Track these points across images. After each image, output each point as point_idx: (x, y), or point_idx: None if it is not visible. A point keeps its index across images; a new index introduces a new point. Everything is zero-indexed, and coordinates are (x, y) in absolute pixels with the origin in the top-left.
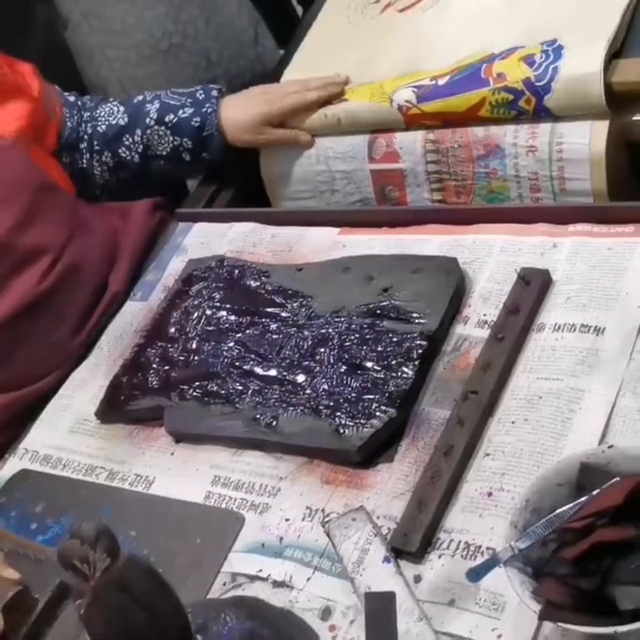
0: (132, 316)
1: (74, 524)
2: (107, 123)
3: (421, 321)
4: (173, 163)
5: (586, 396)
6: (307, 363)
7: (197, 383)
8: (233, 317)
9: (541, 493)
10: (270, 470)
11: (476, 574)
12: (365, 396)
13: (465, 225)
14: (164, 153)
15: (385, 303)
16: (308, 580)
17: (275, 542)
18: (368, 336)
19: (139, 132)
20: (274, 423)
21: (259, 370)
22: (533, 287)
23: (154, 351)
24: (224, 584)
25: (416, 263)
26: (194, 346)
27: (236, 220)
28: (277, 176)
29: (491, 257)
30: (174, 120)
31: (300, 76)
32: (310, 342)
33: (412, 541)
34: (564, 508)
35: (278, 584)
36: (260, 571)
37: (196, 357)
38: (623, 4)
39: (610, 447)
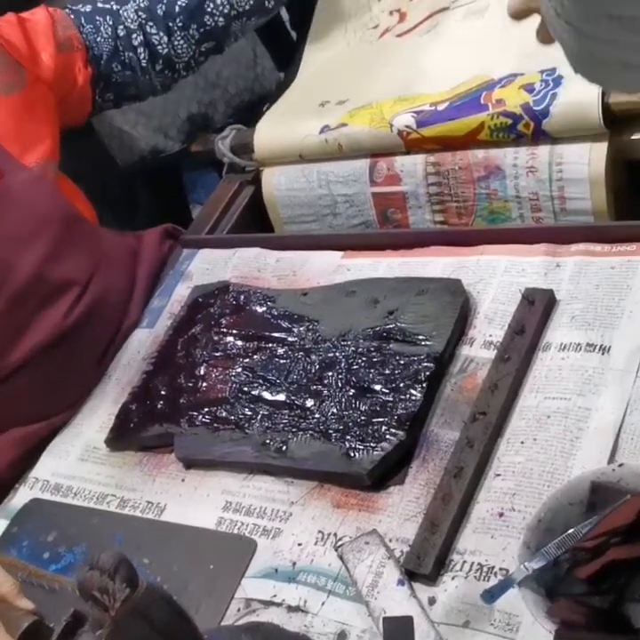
0: (140, 344)
1: (92, 555)
2: None
3: (428, 343)
4: (256, 15)
5: (593, 415)
6: (315, 387)
7: (206, 409)
8: (240, 343)
9: (553, 513)
10: (281, 495)
11: (490, 596)
12: (374, 419)
13: (468, 246)
14: (248, 7)
15: (391, 326)
16: (323, 604)
17: (288, 567)
18: (375, 359)
19: None
20: (284, 448)
21: (267, 395)
22: (538, 307)
23: (162, 378)
24: (238, 610)
25: (421, 285)
26: (202, 372)
27: (239, 245)
28: (279, 200)
29: (494, 278)
30: None
31: (299, 98)
32: (318, 366)
33: (426, 564)
34: (577, 527)
35: (293, 609)
36: (274, 596)
37: (204, 383)
38: None
39: (620, 465)
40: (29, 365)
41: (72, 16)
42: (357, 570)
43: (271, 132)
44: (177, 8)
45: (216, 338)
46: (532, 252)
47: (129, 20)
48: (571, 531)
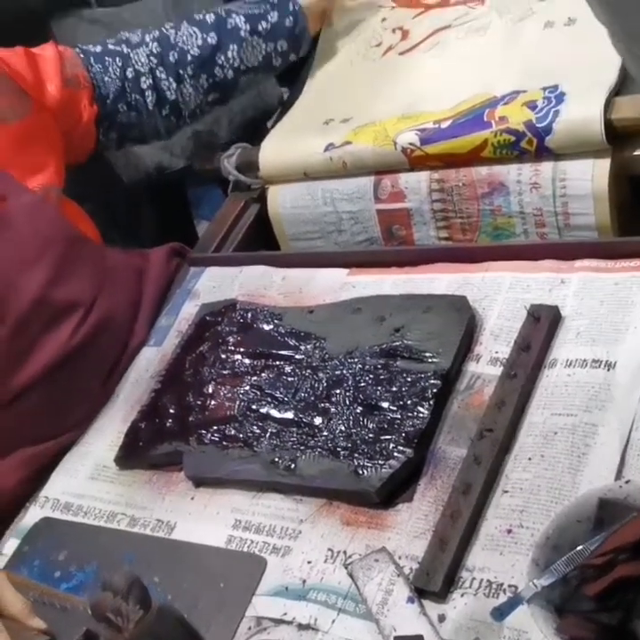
0: (148, 362)
1: (104, 576)
2: (194, 46)
3: (434, 360)
4: (262, 72)
5: (600, 431)
6: (323, 404)
7: (215, 427)
8: (247, 361)
9: (561, 530)
10: (290, 513)
11: (500, 613)
12: (382, 437)
13: (473, 263)
14: (256, 64)
15: (397, 343)
16: (333, 622)
17: (298, 585)
18: (382, 376)
19: (234, 47)
20: (292, 466)
21: (275, 413)
22: (543, 323)
23: (170, 396)
24: (249, 628)
25: (426, 302)
26: (210, 390)
27: (246, 263)
28: (285, 217)
29: (500, 294)
30: (268, 27)
31: (303, 116)
32: (325, 384)
33: (435, 581)
34: (585, 544)
35: (303, 627)
36: (285, 614)
37: (212, 401)
38: None
39: (627, 482)
40: (36, 387)
41: (81, 55)
42: (367, 587)
43: (276, 150)
44: (189, 57)
45: (223, 356)
46: (537, 268)
47: (139, 64)
48: (579, 548)
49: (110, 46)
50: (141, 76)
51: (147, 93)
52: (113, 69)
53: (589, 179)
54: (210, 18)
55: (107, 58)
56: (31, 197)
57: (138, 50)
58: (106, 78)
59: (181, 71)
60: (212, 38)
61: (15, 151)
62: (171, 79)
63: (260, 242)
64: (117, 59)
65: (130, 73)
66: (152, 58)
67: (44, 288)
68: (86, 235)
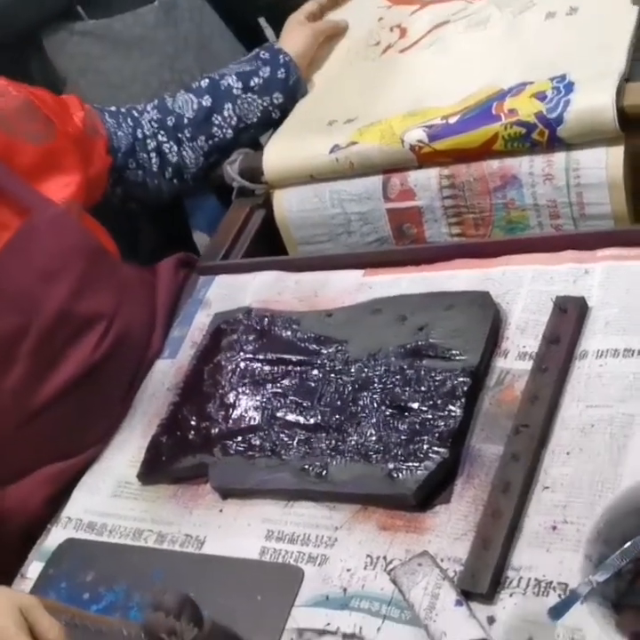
0: (163, 375)
1: (155, 596)
2: (189, 110)
3: (462, 357)
4: (262, 126)
5: (638, 421)
6: (350, 408)
7: (240, 437)
8: (268, 368)
9: (611, 524)
10: (324, 520)
11: (556, 612)
12: (415, 438)
13: (491, 258)
14: (255, 119)
15: (422, 342)
16: (379, 629)
17: (339, 594)
18: (409, 377)
19: (228, 106)
20: (323, 473)
21: (302, 419)
22: (571, 315)
23: (190, 408)
24: None
25: (448, 300)
26: (231, 400)
27: (257, 269)
28: (292, 222)
29: (522, 288)
30: (260, 82)
31: (305, 119)
32: (350, 388)
33: (482, 582)
34: (637, 537)
35: (348, 636)
36: (328, 624)
37: (234, 411)
38: (627, 36)
39: None
40: (60, 401)
41: (97, 109)
42: (412, 593)
43: (280, 154)
44: (185, 120)
45: (243, 364)
46: (559, 259)
47: (146, 128)
48: (631, 541)
49: (122, 109)
50: (147, 138)
51: (152, 154)
52: (126, 126)
53: (603, 167)
54: (204, 83)
55: (119, 116)
56: (55, 210)
57: (143, 115)
58: (119, 133)
59: (180, 134)
60: (206, 101)
61: (41, 169)
62: (171, 142)
63: (268, 248)
64: (129, 119)
65: (139, 134)
66: (154, 123)
67: (67, 300)
68: (107, 247)
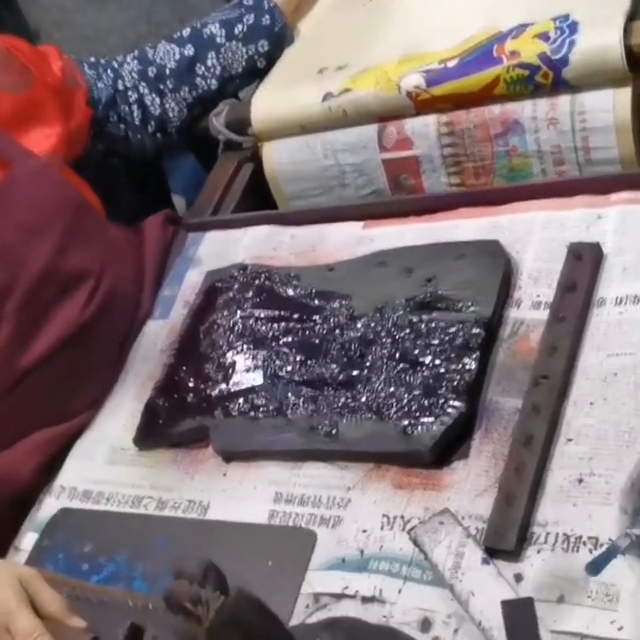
0: (155, 336)
1: (176, 564)
2: (171, 60)
3: (474, 308)
4: (248, 76)
5: None
6: (358, 364)
7: (242, 398)
8: (268, 325)
9: None
10: (336, 480)
11: (595, 567)
12: (429, 393)
13: (497, 205)
14: (240, 69)
15: (431, 294)
16: (400, 591)
17: (356, 556)
18: (420, 330)
19: (212, 55)
20: (334, 431)
21: (307, 377)
22: (586, 262)
23: (188, 369)
24: (307, 606)
25: (456, 250)
26: (231, 359)
27: (249, 224)
28: (282, 175)
29: (533, 235)
30: (244, 29)
31: (294, 67)
32: (357, 343)
33: (507, 539)
34: None
35: (368, 600)
36: (346, 588)
37: (235, 371)
38: None
39: None
40: (48, 363)
41: (76, 61)
42: (435, 552)
43: (268, 104)
44: (167, 71)
45: (241, 323)
46: (570, 205)
47: (127, 79)
48: None
49: (101, 60)
50: (128, 90)
51: (133, 107)
52: (106, 77)
53: (610, 109)
54: (185, 32)
55: (99, 67)
56: (37, 162)
57: (123, 66)
58: (99, 84)
59: (162, 86)
60: (188, 50)
61: (21, 119)
62: (153, 94)
63: (257, 204)
64: (109, 70)
65: (120, 85)
66: (134, 74)
67: (52, 257)
68: (91, 203)
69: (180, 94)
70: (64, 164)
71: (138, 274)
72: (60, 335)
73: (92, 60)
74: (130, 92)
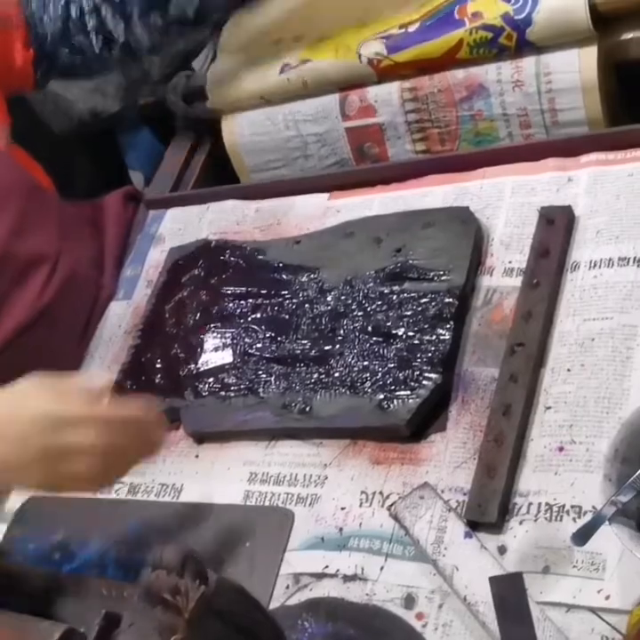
0: (119, 317)
1: (153, 553)
2: None
3: (446, 278)
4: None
5: None
6: (330, 339)
7: (212, 378)
8: (236, 302)
9: (628, 441)
10: (311, 458)
11: (581, 537)
12: (404, 365)
13: (466, 171)
14: None
15: (401, 264)
16: (382, 568)
17: (335, 534)
18: (392, 302)
19: None
20: (307, 408)
21: (278, 353)
22: (558, 225)
23: (154, 350)
24: (287, 587)
25: (425, 218)
26: (198, 339)
27: (211, 200)
28: (243, 148)
29: (503, 201)
30: None
31: (249, 38)
32: (328, 317)
33: (489, 511)
34: None
35: (349, 578)
36: (326, 567)
37: (203, 351)
38: None
39: None
40: (9, 348)
41: None
42: (417, 528)
43: (227, 75)
44: None
45: (207, 300)
46: (539, 168)
47: (84, 2)
48: None
49: None
50: (84, 15)
51: (91, 36)
52: (53, 7)
53: (576, 70)
54: None
55: None
56: None
57: None
58: (45, 17)
59: (128, 8)
60: None
61: None
62: (117, 17)
63: (218, 178)
64: None
65: (74, 11)
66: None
67: (7, 241)
68: (43, 185)
69: (148, 19)
70: (14, 145)
71: (98, 254)
72: (19, 321)
73: None
74: (87, 18)
